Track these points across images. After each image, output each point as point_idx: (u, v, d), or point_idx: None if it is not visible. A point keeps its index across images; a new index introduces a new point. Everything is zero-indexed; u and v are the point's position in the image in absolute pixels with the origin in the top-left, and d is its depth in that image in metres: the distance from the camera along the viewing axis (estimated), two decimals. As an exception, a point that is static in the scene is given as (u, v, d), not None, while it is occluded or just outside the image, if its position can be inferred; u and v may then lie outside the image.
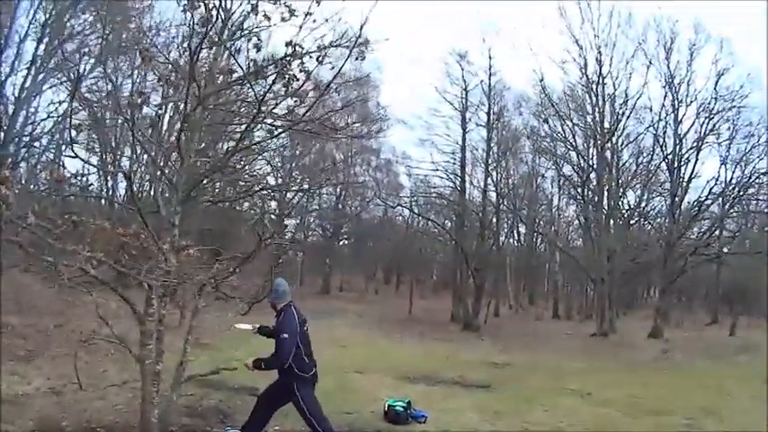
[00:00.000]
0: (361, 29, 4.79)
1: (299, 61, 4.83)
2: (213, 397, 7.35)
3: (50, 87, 15.13)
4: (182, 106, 4.90)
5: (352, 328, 21.17)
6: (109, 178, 18.66)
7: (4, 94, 14.79)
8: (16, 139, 13.76)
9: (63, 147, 15.47)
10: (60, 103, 15.31)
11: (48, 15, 14.03)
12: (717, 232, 26.67)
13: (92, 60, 14.36)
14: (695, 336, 24.42)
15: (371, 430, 6.56)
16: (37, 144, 14.04)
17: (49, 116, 14.95)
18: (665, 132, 25.38)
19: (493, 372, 13.08)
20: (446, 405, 8.45)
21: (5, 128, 14.02)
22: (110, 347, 8.34)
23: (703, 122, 24.50)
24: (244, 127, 5.25)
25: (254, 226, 5.65)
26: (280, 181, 28.96)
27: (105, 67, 14.07)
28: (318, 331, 17.75)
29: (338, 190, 35.57)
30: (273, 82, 4.74)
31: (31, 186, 11.89)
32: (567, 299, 36.84)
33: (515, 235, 37.23)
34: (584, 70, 25.76)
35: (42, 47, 14.00)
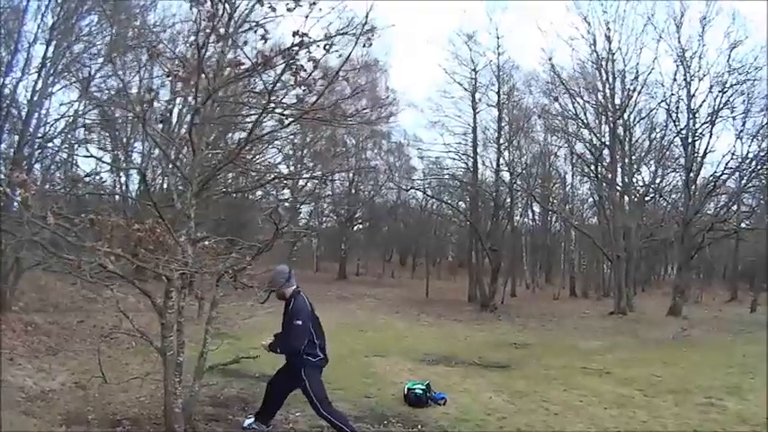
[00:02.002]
0: (366, 16, 4.80)
1: (307, 50, 4.84)
2: (235, 386, 7.46)
3: (61, 89, 15.25)
4: (192, 100, 4.95)
5: (370, 312, 21.43)
6: (122, 175, 18.85)
7: (17, 98, 14.96)
8: (30, 141, 13.88)
9: (75, 146, 15.62)
10: (72, 103, 15.48)
11: (55, 18, 14.11)
12: (734, 207, 26.42)
13: (100, 60, 14.43)
14: (714, 313, 24.31)
15: (392, 414, 6.59)
16: (51, 145, 14.15)
17: (61, 117, 15.07)
18: (677, 107, 25.07)
19: (511, 351, 13.17)
20: (465, 386, 8.54)
21: (20, 131, 14.17)
22: (131, 341, 8.46)
23: (717, 96, 24.06)
24: (254, 118, 5.30)
25: (270, 215, 5.65)
26: (292, 169, 29.16)
27: (114, 66, 14.12)
28: (337, 316, 18.20)
29: (351, 175, 35.59)
30: (281, 72, 4.76)
31: (47, 187, 11.99)
32: (583, 277, 36.73)
33: (530, 214, 37.19)
34: (593, 47, 25.46)
35: (51, 49, 14.09)
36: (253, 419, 5.73)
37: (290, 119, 5.27)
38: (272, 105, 4.89)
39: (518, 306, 26.57)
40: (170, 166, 5.54)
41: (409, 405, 7.03)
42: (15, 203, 4.13)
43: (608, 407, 7.43)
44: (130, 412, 6.00)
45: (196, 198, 5.06)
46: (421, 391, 7.14)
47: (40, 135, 14.29)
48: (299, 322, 5.23)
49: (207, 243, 5.19)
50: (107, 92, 15.44)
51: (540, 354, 12.69)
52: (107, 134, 17.48)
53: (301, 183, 30.20)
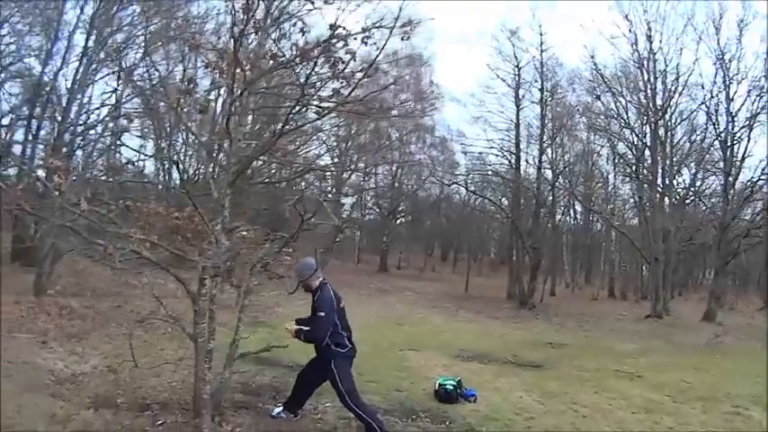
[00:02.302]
0: (400, 10, 4.79)
1: (344, 43, 4.85)
2: (267, 374, 7.53)
3: (103, 77, 15.58)
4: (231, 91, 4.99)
5: (409, 306, 21.40)
6: (165, 163, 19.17)
7: (57, 85, 15.34)
8: (71, 128, 14.21)
9: (117, 134, 15.92)
10: (113, 91, 15.83)
11: (96, 8, 14.43)
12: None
13: (140, 50, 14.70)
14: (748, 320, 23.74)
15: (421, 408, 6.58)
16: (92, 132, 14.47)
17: (102, 105, 15.42)
18: (716, 110, 24.45)
19: (546, 351, 13.03)
20: (497, 384, 8.48)
21: (60, 118, 14.53)
22: (167, 327, 8.59)
23: (755, 100, 23.45)
24: (289, 110, 5.33)
25: (294, 206, 5.72)
26: (336, 160, 29.36)
27: (150, 57, 14.37)
28: (376, 309, 18.25)
29: (394, 168, 35.75)
30: (314, 65, 4.78)
31: (88, 174, 12.27)
32: (623, 278, 36.12)
33: (572, 213, 36.68)
34: (634, 46, 24.96)
35: (92, 38, 14.41)
36: (281, 408, 5.80)
37: (325, 111, 5.28)
38: (307, 98, 4.91)
39: (557, 305, 26.25)
40: (204, 155, 5.61)
41: (439, 401, 7.02)
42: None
43: (636, 411, 7.35)
44: (160, 397, 6.08)
45: (231, 188, 5.12)
46: (452, 388, 7.13)
47: (81, 122, 14.63)
48: (323, 314, 5.27)
49: (245, 233, 5.24)
50: (149, 81, 15.70)
51: (575, 354, 12.55)
52: (150, 123, 17.81)
53: (345, 175, 30.55)
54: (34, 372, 6.74)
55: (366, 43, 4.91)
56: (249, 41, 5.52)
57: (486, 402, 7.18)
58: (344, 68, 4.68)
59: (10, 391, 5.81)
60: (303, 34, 5.27)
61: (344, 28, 4.76)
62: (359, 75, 4.80)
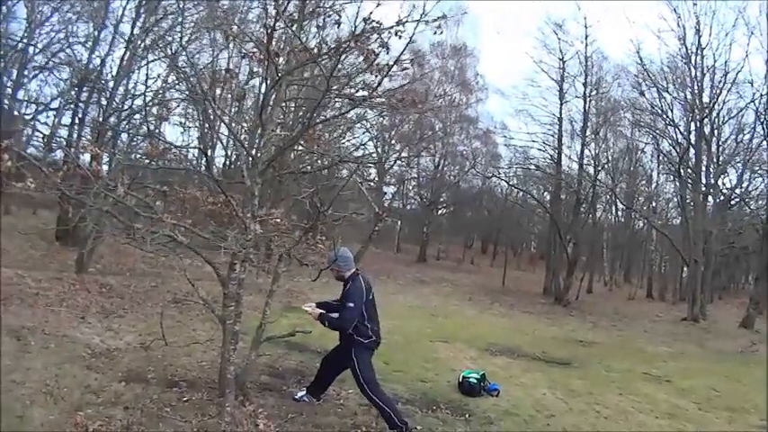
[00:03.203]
0: (424, 5, 4.83)
1: (377, 36, 4.91)
2: (294, 358, 7.68)
3: (149, 63, 15.97)
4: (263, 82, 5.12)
5: (444, 298, 21.53)
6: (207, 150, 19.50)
7: (104, 72, 15.83)
8: (116, 113, 14.63)
9: (158, 121, 16.34)
10: (158, 77, 16.21)
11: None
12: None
13: (185, 37, 15.02)
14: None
15: (443, 400, 6.65)
16: (137, 117, 14.87)
17: (145, 90, 15.82)
18: (766, 109, 23.56)
19: (576, 349, 12.93)
20: (523, 380, 8.49)
21: (105, 103, 14.98)
22: (201, 308, 8.87)
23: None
24: (327, 102, 5.43)
25: (311, 198, 5.88)
26: (378, 150, 29.50)
27: (184, 50, 14.67)
28: (411, 299, 18.30)
29: (437, 159, 35.69)
30: (338, 59, 4.84)
31: (131, 158, 12.65)
32: (662, 279, 35.55)
33: (613, 210, 36.26)
34: (682, 40, 24.39)
35: (138, 26, 14.82)
36: (304, 392, 5.95)
37: (357, 103, 5.36)
38: (335, 89, 5.00)
39: (592, 303, 26.02)
40: (234, 143, 5.75)
41: (462, 393, 7.09)
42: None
43: (659, 416, 7.24)
44: (189, 375, 6.33)
45: (262, 176, 5.26)
46: (475, 381, 7.19)
47: (126, 108, 15.06)
48: (351, 305, 5.36)
49: (278, 220, 5.36)
50: (191, 68, 16.02)
51: (605, 354, 12.40)
52: (195, 109, 18.16)
53: (388, 164, 30.70)
54: (73, 345, 7.09)
55: (400, 36, 4.96)
56: (284, 33, 5.63)
57: (508, 397, 7.20)
58: (374, 61, 4.73)
59: (50, 361, 6.18)
60: (339, 26, 5.39)
61: (379, 22, 4.81)
62: (389, 67, 4.84)
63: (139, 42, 14.71)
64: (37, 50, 15.97)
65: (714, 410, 7.83)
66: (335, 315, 5.49)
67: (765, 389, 8.76)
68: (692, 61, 24.25)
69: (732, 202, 27.00)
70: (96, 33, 15.88)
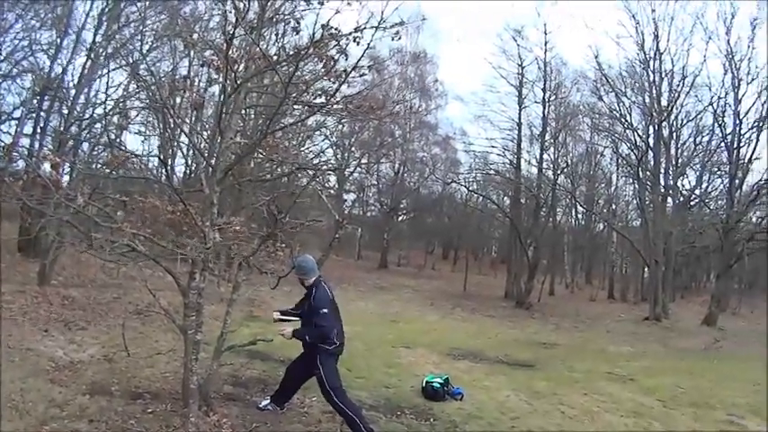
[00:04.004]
0: (382, 11, 4.85)
1: (336, 43, 4.92)
2: (257, 367, 7.64)
3: (110, 71, 15.75)
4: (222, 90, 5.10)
5: (405, 304, 21.60)
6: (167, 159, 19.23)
7: (65, 80, 15.54)
8: (77, 122, 14.37)
9: (118, 130, 16.12)
10: (120, 85, 15.99)
11: (104, 4, 14.65)
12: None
13: (146, 45, 14.86)
14: (751, 326, 23.64)
15: (407, 405, 6.67)
16: (97, 126, 14.63)
17: (105, 100, 15.60)
18: (724, 111, 24.42)
19: (539, 351, 13.09)
20: (486, 383, 8.53)
21: (67, 112, 14.71)
22: (163, 319, 8.76)
23: (765, 102, 23.30)
24: (286, 109, 5.43)
25: (268, 206, 5.90)
26: (338, 157, 29.48)
27: (145, 58, 14.47)
28: (373, 306, 18.31)
29: (397, 165, 35.86)
30: (296, 66, 4.85)
31: (91, 167, 12.44)
32: (623, 280, 36.18)
33: (573, 213, 36.83)
34: (640, 45, 25.02)
35: (100, 34, 14.61)
36: (268, 401, 5.92)
37: (315, 110, 5.37)
38: (293, 97, 4.99)
39: (554, 305, 26.37)
40: (191, 152, 5.72)
41: (426, 398, 7.10)
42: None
43: (625, 415, 7.34)
44: (153, 386, 6.26)
45: (220, 185, 5.22)
46: (439, 385, 7.20)
47: (87, 117, 14.80)
48: (325, 311, 5.36)
49: (238, 228, 5.33)
50: (152, 76, 15.85)
51: (568, 355, 12.60)
52: (155, 118, 17.94)
53: (348, 171, 30.67)
54: (37, 358, 6.98)
55: (358, 43, 4.98)
56: (243, 41, 5.61)
57: (472, 401, 7.24)
58: (332, 67, 4.75)
59: (15, 375, 6.07)
60: (297, 33, 5.38)
61: (337, 28, 4.83)
62: (347, 73, 4.86)
63: (101, 50, 14.48)
64: (1, 58, 15.61)
65: (679, 407, 7.96)
66: (306, 327, 5.47)
67: (765, 389, 8.93)
68: (651, 66, 24.90)
69: (692, 203, 27.69)
70: (59, 41, 15.59)
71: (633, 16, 24.93)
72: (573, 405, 7.58)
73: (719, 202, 27.49)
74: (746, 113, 23.86)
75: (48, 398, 5.53)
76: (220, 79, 5.58)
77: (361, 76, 5.31)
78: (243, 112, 7.28)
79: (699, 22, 24.31)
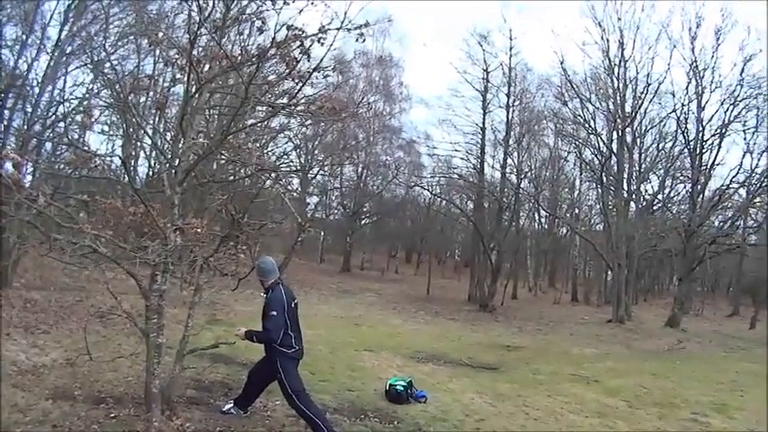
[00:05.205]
0: (346, 12, 4.87)
1: (299, 43, 4.90)
2: (221, 371, 7.56)
3: (75, 69, 15.46)
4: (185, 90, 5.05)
5: (368, 307, 21.58)
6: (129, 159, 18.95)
7: (29, 77, 15.19)
8: (41, 121, 14.08)
9: (81, 129, 15.83)
10: (83, 84, 15.68)
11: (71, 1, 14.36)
12: (740, 222, 26.28)
13: (112, 43, 14.62)
14: (714, 327, 24.25)
15: (371, 408, 6.67)
16: (61, 125, 14.33)
17: (68, 98, 15.30)
18: (686, 118, 24.90)
19: (503, 354, 13.20)
20: (450, 386, 8.60)
21: (30, 110, 14.38)
22: (126, 322, 8.61)
23: (728, 109, 23.93)
24: (249, 110, 5.37)
25: (225, 207, 5.89)
26: (301, 159, 29.36)
27: (109, 56, 14.23)
28: (335, 310, 18.24)
29: (360, 169, 35.79)
30: (258, 66, 4.83)
31: (55, 167, 12.19)
32: (587, 283, 36.67)
33: (536, 217, 37.38)
34: (605, 53, 25.37)
35: (65, 30, 14.30)
36: (232, 405, 5.88)
37: (276, 111, 5.35)
38: (254, 97, 4.96)
39: (517, 308, 26.60)
40: (154, 153, 5.64)
41: (390, 401, 7.12)
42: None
43: (589, 415, 7.46)
44: (116, 391, 6.17)
45: (181, 186, 5.16)
46: (402, 388, 7.22)
47: (51, 115, 14.49)
48: (274, 313, 5.30)
49: (198, 230, 5.27)
50: (115, 74, 15.60)
51: (532, 358, 12.73)
52: (119, 117, 17.64)
53: (311, 174, 30.51)
54: (-3, 363, 6.81)
55: (322, 43, 4.97)
56: (207, 41, 5.56)
57: (436, 403, 7.29)
58: (294, 69, 4.73)
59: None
60: (261, 33, 5.35)
61: (301, 29, 4.82)
62: (310, 74, 4.85)
63: (66, 47, 14.19)
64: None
65: (644, 407, 8.13)
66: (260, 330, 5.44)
67: (765, 389, 9.14)
68: (615, 73, 25.29)
69: (654, 208, 28.24)
70: (24, 37, 15.23)
71: (599, 24, 25.31)
72: (537, 406, 7.69)
73: (682, 206, 27.99)
74: (710, 120, 24.44)
75: (10, 403, 5.44)
76: (184, 79, 5.51)
77: (324, 77, 5.31)
78: (207, 112, 7.18)
79: (664, 31, 24.79)
